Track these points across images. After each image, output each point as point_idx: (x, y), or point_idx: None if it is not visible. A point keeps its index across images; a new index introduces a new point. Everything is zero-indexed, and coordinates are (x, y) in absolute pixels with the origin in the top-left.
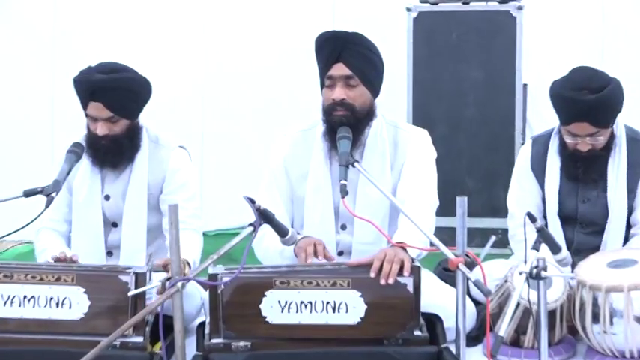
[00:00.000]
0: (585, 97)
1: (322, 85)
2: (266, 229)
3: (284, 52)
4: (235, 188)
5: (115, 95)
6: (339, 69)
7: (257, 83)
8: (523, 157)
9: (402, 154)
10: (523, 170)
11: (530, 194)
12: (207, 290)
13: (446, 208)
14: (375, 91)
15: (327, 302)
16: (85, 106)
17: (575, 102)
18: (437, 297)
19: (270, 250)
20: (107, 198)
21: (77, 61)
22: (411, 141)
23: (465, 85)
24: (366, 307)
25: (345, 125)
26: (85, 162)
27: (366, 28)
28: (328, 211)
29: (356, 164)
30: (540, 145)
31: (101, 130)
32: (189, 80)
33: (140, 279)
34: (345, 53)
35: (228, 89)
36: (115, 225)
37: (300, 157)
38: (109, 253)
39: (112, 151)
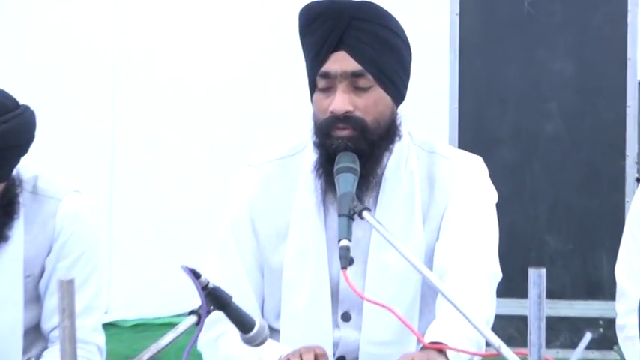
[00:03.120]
0: None
1: (312, 88)
2: (224, 323)
3: (241, 39)
4: (165, 255)
5: None
6: (341, 61)
7: (198, 88)
8: None
9: (442, 195)
10: None
11: None
12: None
13: (513, 285)
14: (398, 94)
15: None
16: None
17: None
18: None
19: None
20: None
21: None
22: (456, 175)
23: (544, 83)
24: None
25: (351, 151)
26: None
27: None
28: (321, 291)
29: (366, 214)
30: None
31: None
32: (91, 88)
33: None
34: (350, 35)
35: (150, 102)
36: None
37: (277, 202)
38: None
39: None
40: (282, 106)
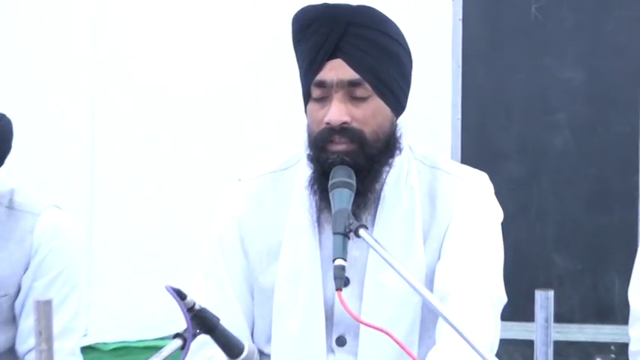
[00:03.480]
0: None
1: (307, 99)
2: (211, 347)
3: (231, 44)
4: (148, 274)
5: None
6: (337, 69)
7: (183, 100)
8: None
9: (444, 213)
10: None
11: None
12: None
13: (518, 308)
14: (398, 105)
15: None
16: None
17: None
18: None
19: None
20: None
21: None
22: (459, 191)
23: (552, 93)
24: None
25: (348, 165)
26: None
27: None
28: (315, 314)
29: (362, 231)
30: None
31: None
32: (71, 99)
33: None
34: (347, 42)
35: (132, 114)
36: None
37: (268, 219)
38: None
39: None
40: (276, 112)
